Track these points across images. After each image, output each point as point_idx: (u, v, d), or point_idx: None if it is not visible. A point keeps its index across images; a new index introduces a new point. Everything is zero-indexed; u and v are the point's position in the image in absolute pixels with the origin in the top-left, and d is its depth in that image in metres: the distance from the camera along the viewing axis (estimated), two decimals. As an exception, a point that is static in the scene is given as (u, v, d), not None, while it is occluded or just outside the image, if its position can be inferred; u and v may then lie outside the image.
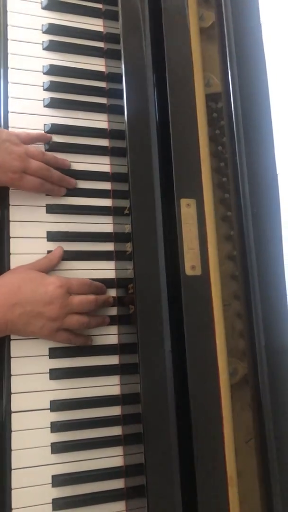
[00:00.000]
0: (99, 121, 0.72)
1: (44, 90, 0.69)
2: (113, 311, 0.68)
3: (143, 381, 0.54)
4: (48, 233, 0.66)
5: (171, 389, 0.54)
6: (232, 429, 0.54)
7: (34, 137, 0.67)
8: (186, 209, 0.54)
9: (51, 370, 0.63)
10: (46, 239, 0.66)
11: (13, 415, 0.61)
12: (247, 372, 0.56)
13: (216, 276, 0.54)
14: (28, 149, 0.64)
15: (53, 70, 0.70)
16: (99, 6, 0.74)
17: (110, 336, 0.67)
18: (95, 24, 0.73)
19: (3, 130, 0.64)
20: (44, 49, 0.70)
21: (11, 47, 0.68)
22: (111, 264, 0.69)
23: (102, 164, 0.70)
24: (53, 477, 0.61)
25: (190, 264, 0.53)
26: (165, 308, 0.55)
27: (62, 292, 0.61)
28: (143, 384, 0.54)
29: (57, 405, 0.62)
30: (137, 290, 0.55)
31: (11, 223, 0.65)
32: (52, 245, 0.66)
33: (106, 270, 0.68)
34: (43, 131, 0.68)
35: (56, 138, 0.69)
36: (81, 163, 0.70)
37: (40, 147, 0.67)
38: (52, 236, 0.66)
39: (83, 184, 0.69)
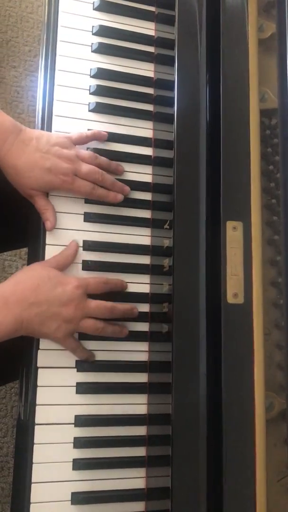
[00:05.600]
0: (144, 128, 0.69)
1: (90, 94, 0.67)
2: (145, 327, 0.65)
3: (175, 402, 0.52)
4: (85, 242, 0.64)
5: (203, 413, 0.51)
6: (264, 466, 0.51)
7: (88, 137, 0.65)
8: (232, 232, 0.51)
9: (77, 383, 0.62)
10: (82, 248, 0.64)
11: (36, 427, 0.59)
12: (284, 407, 0.53)
13: (259, 305, 0.51)
14: (79, 152, 0.63)
15: (100, 73, 0.68)
16: (152, 9, 0.71)
17: (140, 353, 0.65)
18: (147, 28, 0.71)
19: (52, 134, 0.63)
20: (92, 51, 0.68)
21: (60, 48, 0.66)
22: (145, 278, 0.66)
23: (145, 174, 0.68)
24: (73, 494, 0.60)
25: (233, 291, 0.50)
26: (203, 331, 0.52)
27: (79, 293, 0.59)
28: (175, 406, 0.52)
29: (81, 421, 0.61)
30: (175, 310, 0.52)
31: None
32: (87, 255, 0.64)
33: (140, 284, 0.66)
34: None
35: (99, 145, 0.67)
36: (124, 171, 0.67)
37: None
38: (89, 246, 0.64)
39: (123, 193, 0.67)
